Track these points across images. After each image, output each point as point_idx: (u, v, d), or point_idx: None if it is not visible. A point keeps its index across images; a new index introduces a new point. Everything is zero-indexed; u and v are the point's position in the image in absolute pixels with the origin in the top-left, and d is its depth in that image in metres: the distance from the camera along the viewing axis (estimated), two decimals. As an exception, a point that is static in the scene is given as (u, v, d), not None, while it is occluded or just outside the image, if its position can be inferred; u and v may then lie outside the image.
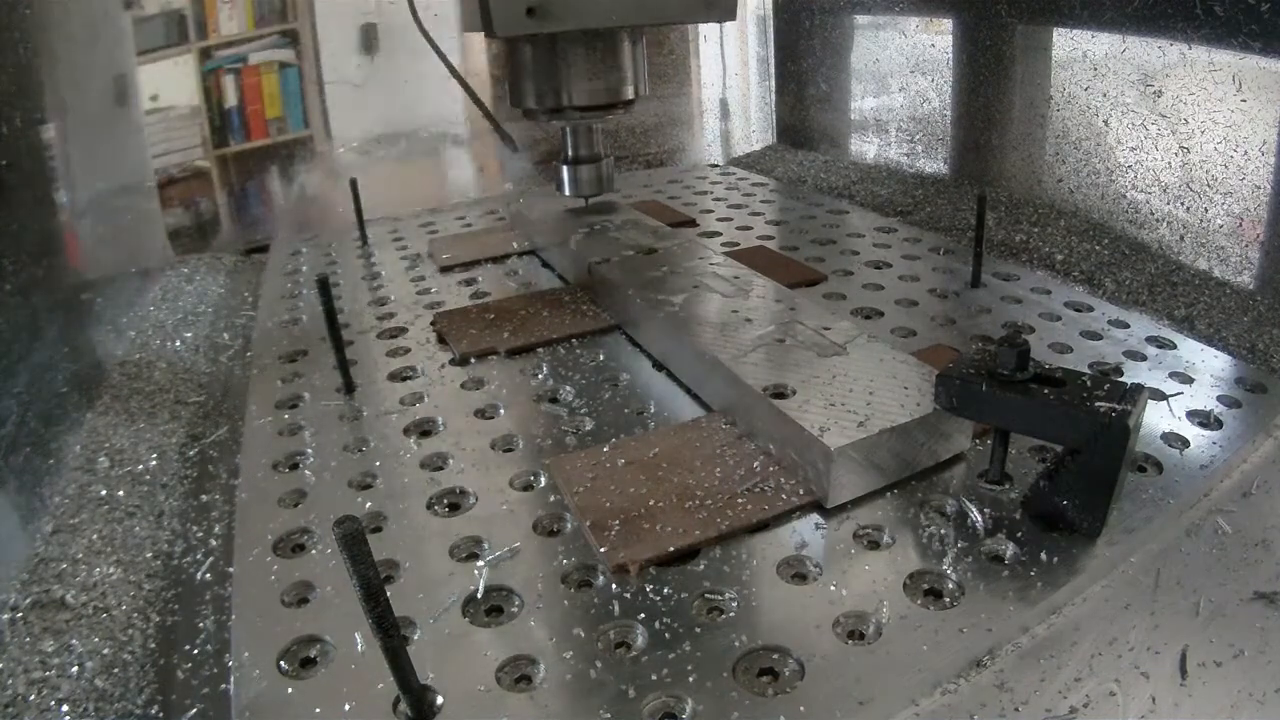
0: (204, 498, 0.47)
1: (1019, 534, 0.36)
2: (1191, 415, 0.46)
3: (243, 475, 0.45)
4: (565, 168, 0.75)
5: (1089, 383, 0.36)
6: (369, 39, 0.97)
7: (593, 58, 0.66)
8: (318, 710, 0.30)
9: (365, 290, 0.72)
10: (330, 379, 0.55)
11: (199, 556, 0.42)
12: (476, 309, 0.64)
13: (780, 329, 0.51)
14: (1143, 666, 0.31)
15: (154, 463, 0.50)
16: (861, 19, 1.02)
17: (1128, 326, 0.57)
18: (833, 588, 0.34)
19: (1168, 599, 0.34)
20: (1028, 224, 0.78)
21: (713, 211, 0.92)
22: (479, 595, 0.35)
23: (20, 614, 0.37)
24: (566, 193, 0.76)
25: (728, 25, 1.21)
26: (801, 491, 0.40)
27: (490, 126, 0.83)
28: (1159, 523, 0.37)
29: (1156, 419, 0.45)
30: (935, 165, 0.94)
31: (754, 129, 1.26)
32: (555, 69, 0.66)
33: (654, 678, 0.30)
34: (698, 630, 0.32)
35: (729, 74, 1.24)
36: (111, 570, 0.41)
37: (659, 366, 0.55)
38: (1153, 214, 0.69)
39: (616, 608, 0.34)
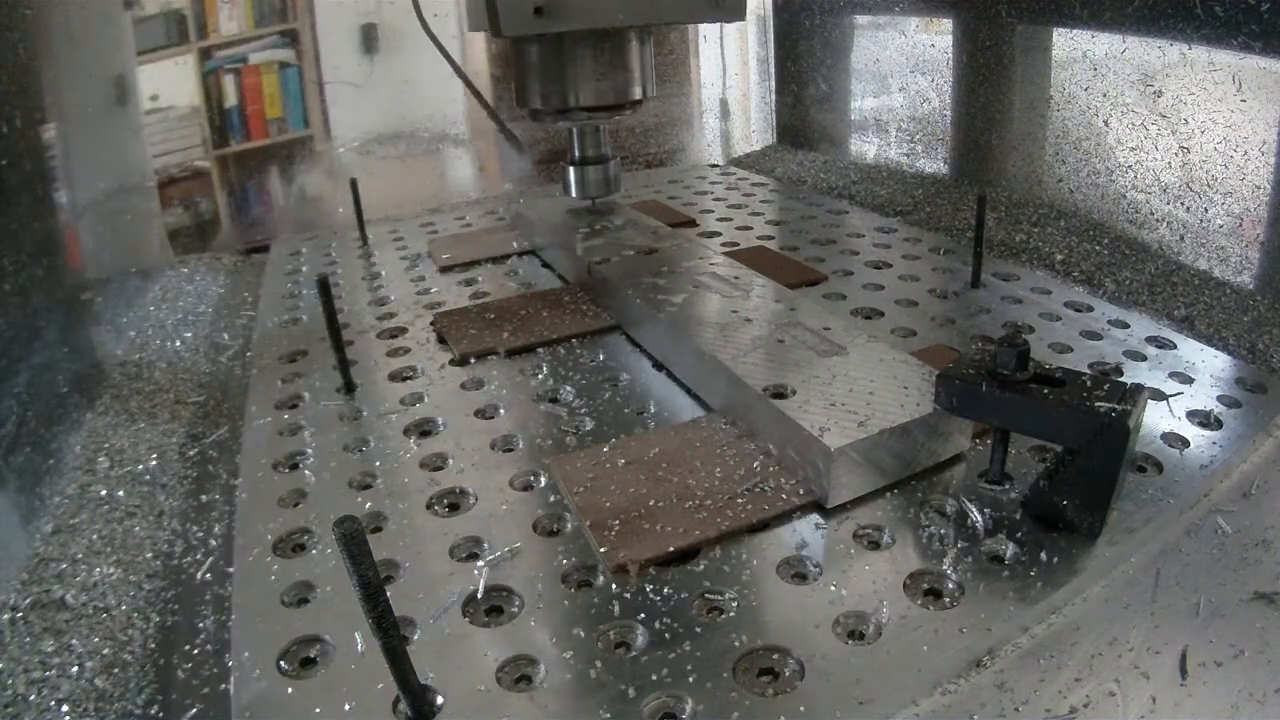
0: (204, 498, 0.47)
1: (1019, 534, 0.36)
2: (1191, 415, 0.46)
3: (243, 475, 0.45)
4: (572, 169, 0.75)
5: (1089, 383, 0.36)
6: (369, 39, 0.97)
7: (600, 58, 0.65)
8: (318, 710, 0.30)
9: (365, 290, 0.72)
10: (330, 379, 0.55)
11: (199, 556, 0.42)
12: (476, 309, 0.64)
13: (780, 329, 0.51)
14: (1143, 666, 0.31)
15: (154, 463, 0.50)
16: (861, 19, 1.02)
17: (1128, 326, 0.57)
18: (833, 588, 0.34)
19: (1168, 599, 0.34)
20: (1028, 224, 0.78)
21: (713, 211, 0.92)
22: (479, 595, 0.35)
23: (20, 614, 0.37)
24: (573, 194, 0.76)
25: (728, 25, 1.21)
26: (801, 491, 0.39)
27: (495, 126, 0.83)
28: (1159, 523, 0.37)
29: (1156, 419, 0.45)
30: (935, 165, 0.94)
31: (754, 129, 1.26)
32: (562, 69, 0.65)
33: (654, 678, 0.30)
34: (698, 630, 0.32)
35: (729, 74, 1.24)
36: (111, 570, 0.41)
37: (659, 366, 0.55)
38: (1153, 214, 0.69)
39: (616, 608, 0.34)
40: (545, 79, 0.66)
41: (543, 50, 0.66)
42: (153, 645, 0.37)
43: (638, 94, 0.69)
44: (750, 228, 0.85)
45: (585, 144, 0.74)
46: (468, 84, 0.77)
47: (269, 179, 0.96)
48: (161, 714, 0.33)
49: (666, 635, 0.32)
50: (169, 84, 0.88)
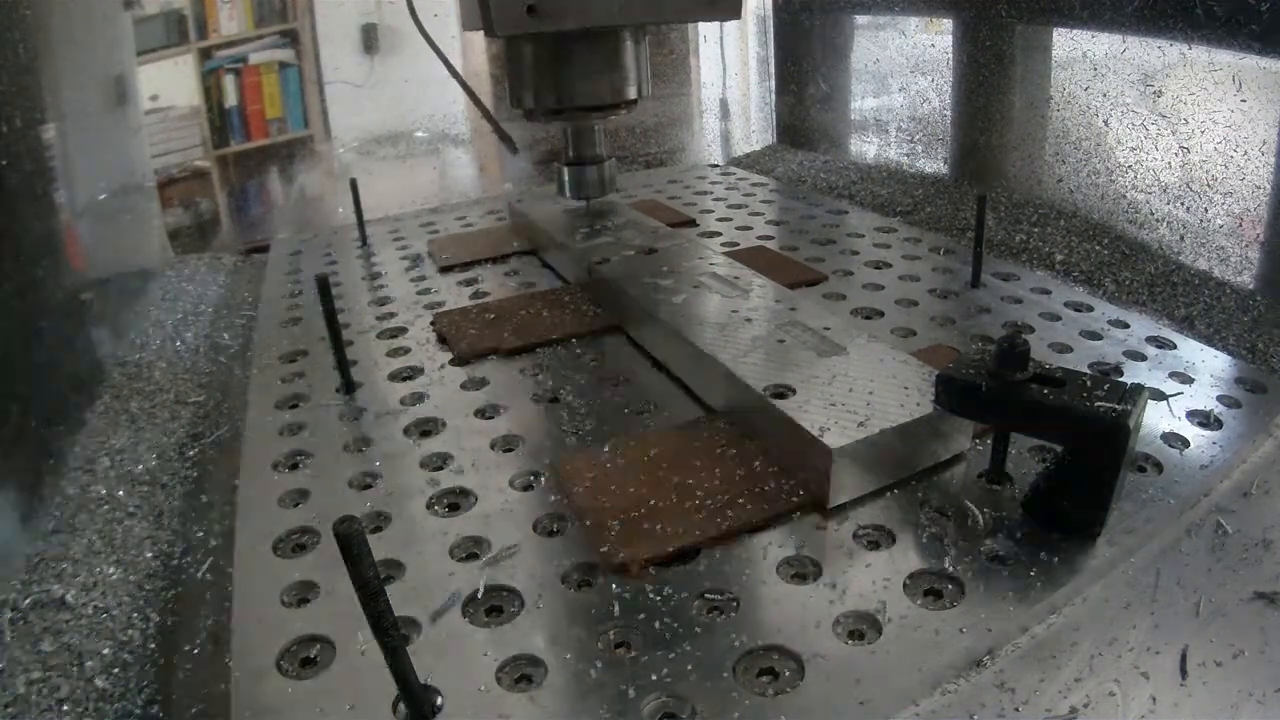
0: (204, 498, 0.47)
1: (1019, 534, 0.36)
2: (1191, 415, 0.46)
3: (243, 475, 0.45)
4: (566, 169, 0.74)
5: (1089, 383, 0.36)
6: (369, 39, 0.97)
7: (595, 57, 0.65)
8: (318, 710, 0.30)
9: (365, 290, 0.72)
10: (330, 379, 0.55)
11: (199, 556, 0.42)
12: (476, 309, 0.64)
13: (780, 329, 0.51)
14: (1143, 666, 0.31)
15: (154, 463, 0.50)
16: (861, 19, 1.02)
17: (1128, 326, 0.57)
18: (833, 588, 0.34)
19: (1168, 599, 0.34)
20: (1028, 224, 0.78)
21: (713, 211, 0.92)
22: (479, 595, 0.35)
23: (20, 614, 0.37)
24: (568, 195, 0.76)
25: (728, 25, 1.21)
26: (801, 491, 0.39)
27: (490, 127, 0.83)
28: (1159, 523, 0.37)
29: (1156, 419, 0.45)
30: (935, 165, 0.94)
31: (754, 129, 1.26)
32: (556, 68, 0.65)
33: (654, 678, 0.30)
34: (698, 630, 0.32)
35: (729, 74, 1.24)
36: (111, 570, 0.41)
37: (659, 366, 0.55)
38: (1153, 214, 0.69)
39: (616, 608, 0.34)
40: (539, 78, 0.66)
41: (536, 49, 0.65)
42: (153, 645, 0.37)
43: (633, 93, 0.68)
44: (750, 228, 0.85)
45: (581, 144, 0.74)
46: (461, 83, 0.77)
47: (269, 179, 0.97)
48: (161, 714, 0.33)
49: (666, 635, 0.32)
50: (169, 84, 0.88)
